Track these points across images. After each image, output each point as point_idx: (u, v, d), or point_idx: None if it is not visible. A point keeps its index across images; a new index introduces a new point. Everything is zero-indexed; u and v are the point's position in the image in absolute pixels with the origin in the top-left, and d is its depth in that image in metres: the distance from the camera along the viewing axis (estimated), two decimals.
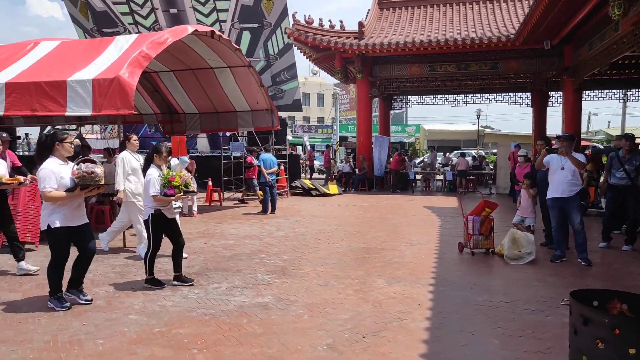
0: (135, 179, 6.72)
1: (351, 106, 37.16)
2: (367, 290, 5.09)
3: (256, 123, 12.79)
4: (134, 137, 7.13)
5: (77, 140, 15.12)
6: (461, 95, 20.37)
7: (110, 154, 9.51)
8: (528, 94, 19.82)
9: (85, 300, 4.60)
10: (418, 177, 18.15)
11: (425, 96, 21.07)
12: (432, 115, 78.04)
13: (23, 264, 5.70)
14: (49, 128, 18.86)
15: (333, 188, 15.80)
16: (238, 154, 14.82)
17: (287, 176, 15.17)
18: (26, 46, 8.83)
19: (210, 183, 13.38)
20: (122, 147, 7.11)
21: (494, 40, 14.95)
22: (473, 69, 17.04)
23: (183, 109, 12.92)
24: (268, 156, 11.56)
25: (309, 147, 30.37)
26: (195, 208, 10.69)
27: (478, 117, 35.69)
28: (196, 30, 9.18)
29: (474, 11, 18.16)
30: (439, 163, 21.04)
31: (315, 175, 23.96)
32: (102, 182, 4.43)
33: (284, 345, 3.68)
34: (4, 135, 6.36)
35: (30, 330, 3.92)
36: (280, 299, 4.78)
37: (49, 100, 7.33)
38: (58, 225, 4.32)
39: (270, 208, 11.13)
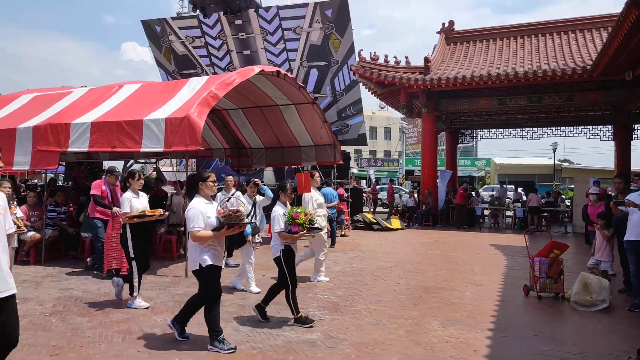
0: (322, 212, 7.43)
1: (418, 139, 36.72)
2: (420, 332, 4.91)
3: (319, 157, 13.02)
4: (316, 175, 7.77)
5: (154, 173, 16.19)
6: (534, 129, 19.51)
7: (180, 187, 10.08)
8: (609, 126, 18.58)
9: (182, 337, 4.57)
10: (486, 212, 17.40)
11: (495, 129, 20.41)
12: (504, 149, 75.11)
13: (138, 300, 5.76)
14: (131, 162, 20.40)
15: (395, 223, 15.55)
16: None
17: (349, 210, 15.16)
18: (112, 89, 9.72)
19: None
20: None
21: (569, 72, 14.28)
22: (546, 101, 16.33)
23: (250, 144, 13.47)
24: (329, 190, 11.67)
25: (373, 181, 30.24)
26: (258, 239, 10.93)
27: (554, 151, 33.87)
28: (262, 71, 9.65)
29: (547, 42, 17.56)
30: (508, 198, 20.07)
31: (379, 209, 23.72)
32: (245, 221, 4.46)
33: None
34: (117, 170, 7.16)
35: (90, 355, 4.16)
36: (329, 337, 4.73)
37: (127, 138, 7.97)
38: (210, 263, 4.32)
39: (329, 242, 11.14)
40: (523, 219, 16.03)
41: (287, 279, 5.05)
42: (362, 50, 16.90)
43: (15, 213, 5.96)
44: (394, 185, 23.27)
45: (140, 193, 6.12)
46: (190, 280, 7.23)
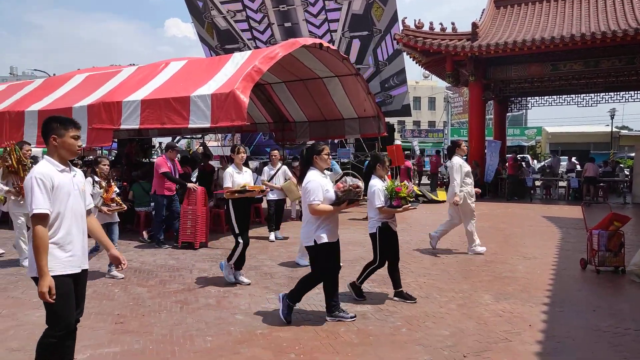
0: (470, 181, 7.35)
1: (464, 109, 35.61)
2: (472, 306, 4.84)
3: (363, 130, 12.88)
4: (462, 144, 7.60)
5: (201, 148, 16.56)
6: (590, 95, 18.45)
7: (226, 161, 10.26)
8: None
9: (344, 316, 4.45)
10: (537, 183, 16.78)
11: (547, 97, 19.45)
12: (556, 117, 71.53)
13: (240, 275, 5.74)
14: (178, 137, 20.85)
15: (442, 195, 15.29)
16: (345, 160, 15.02)
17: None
18: (159, 66, 9.93)
19: None
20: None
21: (631, 33, 13.31)
22: (604, 65, 15.35)
23: (294, 117, 13.48)
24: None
25: (417, 152, 29.72)
26: None
27: (612, 118, 32.01)
28: (305, 44, 9.54)
29: (606, 1, 16.36)
30: (562, 169, 19.25)
31: (424, 180, 23.36)
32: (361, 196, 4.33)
33: (379, 357, 3.65)
34: (177, 145, 7.36)
35: (152, 323, 4.37)
36: (379, 309, 4.75)
37: (175, 114, 8.15)
38: (325, 240, 4.23)
39: None
40: (578, 189, 15.37)
41: (377, 255, 4.97)
42: (405, 18, 16.37)
43: (116, 191, 6.13)
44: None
45: (244, 168, 5.92)
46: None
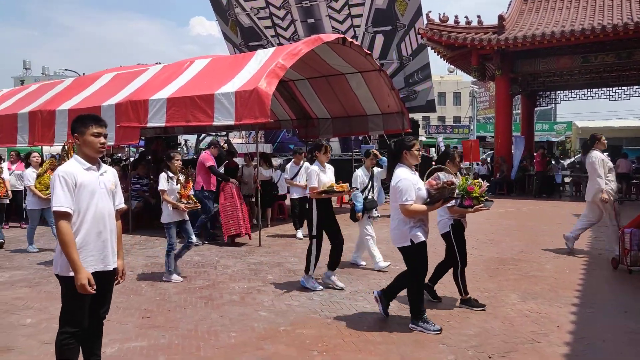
0: (612, 177, 6.74)
1: (490, 104, 34.98)
2: (498, 305, 4.76)
3: (387, 126, 12.78)
4: (602, 137, 6.93)
5: (225, 145, 16.73)
6: (622, 88, 17.86)
7: (250, 159, 10.35)
8: None
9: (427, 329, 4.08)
10: (567, 180, 16.36)
11: (578, 90, 18.92)
12: (586, 111, 69.36)
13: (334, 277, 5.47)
14: (203, 135, 21.11)
15: None
16: None
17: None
18: (184, 65, 10.05)
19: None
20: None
21: None
22: (637, 57, 14.83)
23: (317, 114, 13.47)
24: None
25: (442, 148, 29.34)
26: (375, 214, 11.01)
27: None
28: (328, 40, 9.51)
29: None
30: None
31: None
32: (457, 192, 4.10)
33: (402, 356, 3.63)
34: (219, 144, 7.46)
35: (177, 318, 4.45)
36: (403, 308, 4.71)
37: (200, 112, 8.24)
38: (423, 239, 4.07)
39: None
40: None
41: (456, 256, 4.71)
42: (430, 12, 16.16)
43: (193, 189, 6.07)
44: None
45: (328, 166, 5.60)
46: (264, 250, 7.48)
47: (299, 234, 8.55)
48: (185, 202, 5.78)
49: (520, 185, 16.44)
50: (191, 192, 5.93)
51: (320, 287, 5.30)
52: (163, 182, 5.72)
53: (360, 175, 6.20)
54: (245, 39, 19.64)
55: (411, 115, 14.31)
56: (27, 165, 8.37)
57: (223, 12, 19.37)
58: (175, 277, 5.73)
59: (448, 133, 38.73)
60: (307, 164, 8.96)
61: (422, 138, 31.41)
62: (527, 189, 16.35)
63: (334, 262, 5.39)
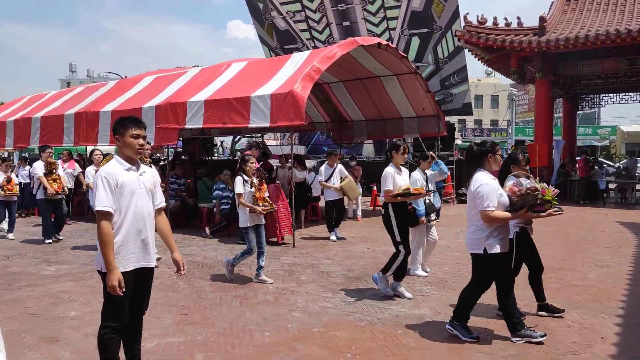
0: None
1: (530, 107, 34.06)
2: (536, 315, 4.62)
3: (422, 129, 12.65)
4: None
5: (261, 147, 16.93)
6: None
7: (285, 160, 10.45)
8: None
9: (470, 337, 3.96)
10: (611, 186, 15.73)
11: (623, 94, 18.19)
12: (633, 115, 66.64)
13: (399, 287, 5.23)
14: (239, 137, 21.41)
15: None
16: None
17: (454, 183, 14.62)
18: (221, 67, 10.26)
19: (375, 188, 13.65)
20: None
21: None
22: None
23: (351, 116, 13.47)
24: (439, 162, 11.25)
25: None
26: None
27: None
28: (363, 43, 9.50)
29: None
30: (639, 171, 17.91)
31: None
32: (540, 198, 3.82)
33: None
34: (260, 146, 7.50)
35: (213, 316, 4.54)
36: (437, 313, 4.65)
37: (236, 114, 8.39)
38: (498, 250, 3.85)
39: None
40: None
41: (516, 265, 4.39)
42: (468, 13, 15.88)
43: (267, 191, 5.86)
44: None
45: (403, 169, 5.40)
46: (298, 251, 7.53)
47: (333, 236, 8.50)
48: (261, 204, 5.62)
49: (562, 190, 15.91)
50: (266, 194, 5.80)
51: (391, 293, 5.11)
52: (239, 186, 5.57)
53: (419, 178, 5.93)
54: (280, 42, 19.85)
55: (447, 118, 14.12)
56: (90, 163, 8.33)
57: (259, 16, 19.65)
58: (228, 273, 5.75)
59: (485, 136, 37.91)
60: (340, 165, 8.96)
61: (458, 141, 30.89)
62: (569, 195, 15.81)
63: (402, 271, 5.15)
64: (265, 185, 5.80)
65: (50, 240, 8.15)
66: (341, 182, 8.75)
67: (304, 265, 6.60)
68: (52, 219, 8.41)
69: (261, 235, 5.69)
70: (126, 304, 2.95)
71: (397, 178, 5.16)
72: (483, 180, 3.84)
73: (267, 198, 5.79)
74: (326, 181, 8.70)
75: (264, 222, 5.75)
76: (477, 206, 3.83)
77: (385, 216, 5.12)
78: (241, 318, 4.47)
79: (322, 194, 10.73)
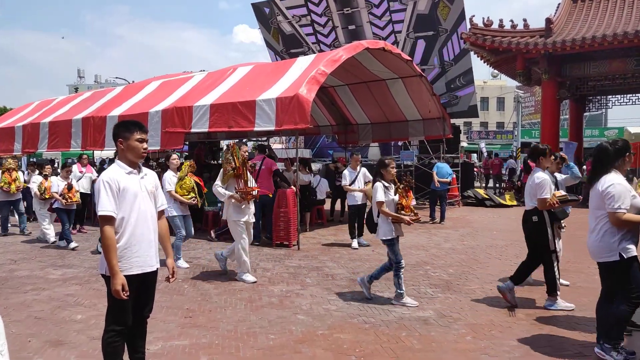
0: None
1: (536, 109, 33.88)
2: (542, 316, 4.60)
3: (427, 132, 12.65)
4: None
5: (266, 150, 16.96)
6: None
7: (290, 164, 10.47)
8: None
9: None
10: None
11: (631, 95, 18.05)
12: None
13: None
14: (244, 140, 21.46)
15: (510, 198, 14.63)
16: (409, 163, 14.80)
17: (459, 185, 14.57)
18: (227, 71, 10.31)
19: None
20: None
21: None
22: None
23: (356, 119, 13.49)
24: (444, 165, 11.25)
25: (485, 154, 28.64)
26: (563, 225, 10.91)
27: None
28: (369, 47, 9.52)
29: None
30: None
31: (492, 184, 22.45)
32: None
33: None
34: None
35: (218, 318, 4.55)
36: (442, 315, 4.64)
37: (241, 118, 8.42)
38: (635, 253, 3.56)
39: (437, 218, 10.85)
40: None
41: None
42: (473, 16, 15.85)
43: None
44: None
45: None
46: (303, 254, 7.53)
47: (354, 243, 8.06)
48: (407, 214, 4.99)
49: (568, 192, 15.81)
50: (413, 203, 5.13)
51: (572, 307, 4.80)
52: (380, 193, 4.95)
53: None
54: (286, 46, 19.91)
55: (453, 120, 14.10)
56: (165, 168, 7.36)
57: (266, 20, 19.73)
58: (408, 301, 4.98)
59: (490, 139, 37.80)
60: (364, 169, 8.43)
61: (464, 144, 30.79)
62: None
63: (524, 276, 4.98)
64: (411, 193, 5.13)
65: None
66: (365, 186, 8.20)
67: (308, 267, 6.60)
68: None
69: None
70: (130, 308, 2.97)
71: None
72: (615, 180, 3.57)
73: (413, 207, 5.11)
74: (350, 185, 8.20)
75: (403, 234, 5.16)
76: (606, 207, 3.56)
77: (538, 225, 4.81)
78: (246, 321, 4.48)
79: (328, 197, 10.70)
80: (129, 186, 2.95)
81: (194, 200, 6.75)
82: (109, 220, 2.88)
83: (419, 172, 14.10)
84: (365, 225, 5.49)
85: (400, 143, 16.17)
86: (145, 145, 3.04)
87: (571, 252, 7.69)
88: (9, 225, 9.78)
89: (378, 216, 5.05)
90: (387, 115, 12.83)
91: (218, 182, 5.90)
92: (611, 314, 3.61)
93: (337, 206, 11.59)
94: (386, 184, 5.04)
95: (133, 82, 23.81)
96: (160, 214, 3.20)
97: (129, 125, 3.04)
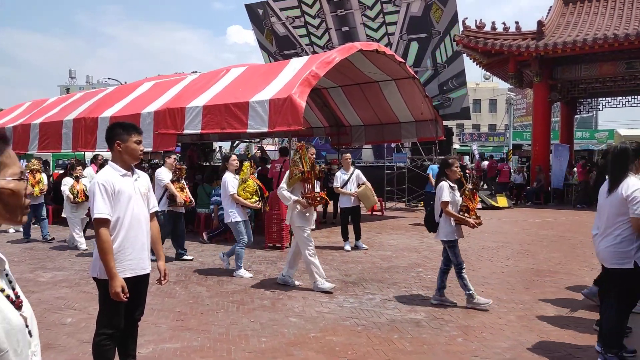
0: None
1: (527, 111, 34.13)
2: (533, 319, 4.63)
3: (420, 133, 12.69)
4: None
5: (259, 152, 16.96)
6: None
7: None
8: None
9: None
10: None
11: (621, 97, 18.25)
12: (630, 118, 66.82)
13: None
14: (237, 142, 21.39)
15: (502, 201, 14.73)
16: (401, 164, 14.84)
17: None
18: (220, 73, 10.29)
19: None
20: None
21: None
22: None
23: (349, 121, 13.51)
24: (437, 167, 11.26)
25: (477, 157, 28.80)
26: None
27: None
28: (362, 49, 9.55)
29: None
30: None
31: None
32: None
33: None
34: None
35: (210, 321, 4.53)
36: (433, 317, 4.66)
37: (234, 119, 8.41)
38: None
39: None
40: None
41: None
42: (466, 18, 15.98)
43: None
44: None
45: None
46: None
47: (347, 246, 8.00)
48: (473, 217, 4.86)
49: (559, 195, 15.95)
50: (478, 206, 4.90)
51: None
52: (446, 193, 4.80)
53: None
54: (280, 47, 19.90)
55: (445, 122, 14.15)
56: (224, 170, 6.73)
57: (259, 22, 19.72)
58: (481, 300, 4.89)
59: (483, 141, 38.01)
60: (358, 171, 8.41)
61: (456, 146, 30.96)
62: (566, 199, 15.85)
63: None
64: (477, 195, 4.98)
65: (191, 257, 7.25)
66: (358, 188, 8.21)
67: (300, 270, 6.57)
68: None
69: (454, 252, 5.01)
70: (122, 311, 2.96)
71: None
72: (638, 185, 3.47)
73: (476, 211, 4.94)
74: (342, 187, 8.17)
75: (462, 236, 5.02)
76: (631, 213, 3.44)
77: None
78: (237, 323, 4.47)
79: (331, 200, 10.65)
80: (123, 188, 2.94)
81: (258, 204, 6.39)
82: (105, 222, 2.86)
83: (412, 174, 14.15)
84: (424, 224, 5.36)
85: (392, 145, 16.20)
86: (141, 147, 3.04)
87: (561, 253, 7.76)
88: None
89: (440, 216, 4.91)
90: (380, 117, 12.87)
91: (283, 184, 5.53)
92: (610, 318, 3.60)
93: (330, 208, 11.60)
94: (452, 184, 4.89)
95: (125, 82, 23.69)
96: (152, 215, 3.18)
97: (128, 127, 3.01)
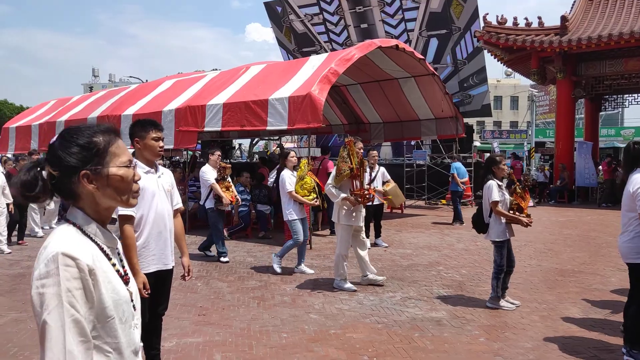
0: None
1: (550, 108, 33.49)
2: (557, 319, 4.56)
3: (440, 131, 12.58)
4: None
5: (278, 149, 17.03)
6: None
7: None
8: None
9: None
10: None
11: None
12: None
13: None
14: (256, 139, 21.46)
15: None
16: (421, 162, 14.73)
17: (472, 185, 14.46)
18: (239, 71, 10.36)
19: None
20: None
21: None
22: None
23: (368, 119, 13.46)
24: (461, 165, 11.13)
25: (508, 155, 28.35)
26: None
27: None
28: (381, 45, 9.50)
29: None
30: None
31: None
32: None
33: None
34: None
35: (231, 317, 4.58)
36: (455, 316, 4.62)
37: (254, 117, 8.46)
38: None
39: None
40: None
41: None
42: (487, 14, 15.71)
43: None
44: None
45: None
46: (315, 253, 7.54)
47: (368, 243, 8.00)
48: (525, 215, 4.77)
49: (583, 193, 15.63)
50: (530, 204, 4.78)
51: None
52: (495, 192, 4.68)
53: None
54: (298, 44, 19.92)
55: (465, 119, 13.99)
56: (282, 167, 6.64)
57: (278, 19, 19.77)
58: (505, 305, 4.85)
59: (504, 138, 37.40)
60: (382, 168, 8.21)
61: (477, 143, 30.58)
62: (591, 198, 15.52)
63: None
64: (528, 194, 4.89)
65: (227, 259, 6.92)
66: (384, 186, 7.83)
67: (320, 267, 6.62)
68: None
69: (510, 252, 4.94)
70: (145, 305, 3.00)
71: None
72: None
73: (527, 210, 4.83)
74: (368, 185, 8.02)
75: (514, 235, 4.94)
76: (638, 209, 3.46)
77: None
78: (258, 319, 4.51)
79: None
80: (147, 185, 2.97)
81: (316, 201, 6.25)
82: (129, 219, 2.90)
83: (432, 171, 14.03)
84: (472, 225, 5.21)
85: (412, 142, 16.09)
86: (161, 143, 3.06)
87: (586, 253, 7.61)
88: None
89: (490, 216, 4.79)
90: (400, 115, 12.79)
91: (331, 181, 5.38)
92: (633, 313, 3.56)
93: None
94: (499, 183, 4.78)
95: (147, 80, 24.03)
96: (176, 212, 3.22)
97: (145, 124, 3.05)
